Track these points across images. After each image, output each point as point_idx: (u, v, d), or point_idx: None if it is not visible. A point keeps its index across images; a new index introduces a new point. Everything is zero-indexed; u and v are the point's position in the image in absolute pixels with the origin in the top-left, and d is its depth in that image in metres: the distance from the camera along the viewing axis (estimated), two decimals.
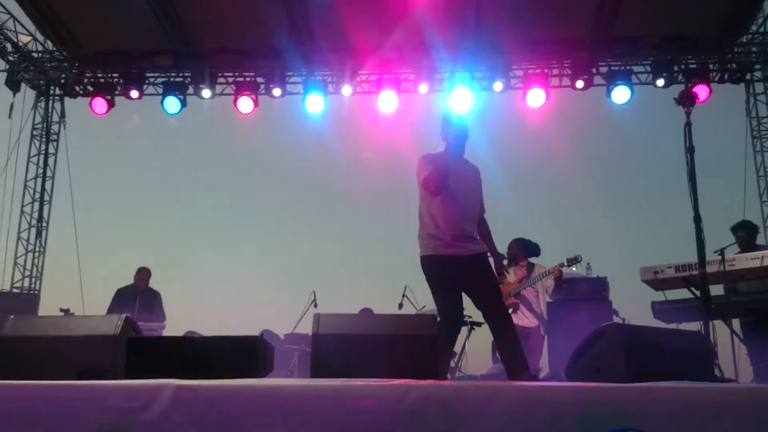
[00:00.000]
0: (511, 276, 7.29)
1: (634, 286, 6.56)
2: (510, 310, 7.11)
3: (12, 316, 3.75)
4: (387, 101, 9.59)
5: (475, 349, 7.75)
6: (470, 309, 7.41)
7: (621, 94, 9.33)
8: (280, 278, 12.49)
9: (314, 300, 8.03)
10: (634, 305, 7.40)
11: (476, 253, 4.77)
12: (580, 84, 9.33)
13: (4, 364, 3.47)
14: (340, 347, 3.46)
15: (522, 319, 7.11)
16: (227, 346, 3.31)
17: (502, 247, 7.39)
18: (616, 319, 7.79)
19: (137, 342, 3.30)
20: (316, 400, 2.95)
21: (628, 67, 9.53)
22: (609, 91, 9.39)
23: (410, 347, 3.43)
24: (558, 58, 9.55)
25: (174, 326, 8.53)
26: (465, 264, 4.67)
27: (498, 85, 9.49)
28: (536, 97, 9.40)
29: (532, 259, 7.36)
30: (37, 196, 10.40)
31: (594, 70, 9.45)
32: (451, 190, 4.74)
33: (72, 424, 2.92)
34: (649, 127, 12.00)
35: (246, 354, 3.19)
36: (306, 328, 8.27)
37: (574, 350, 4.02)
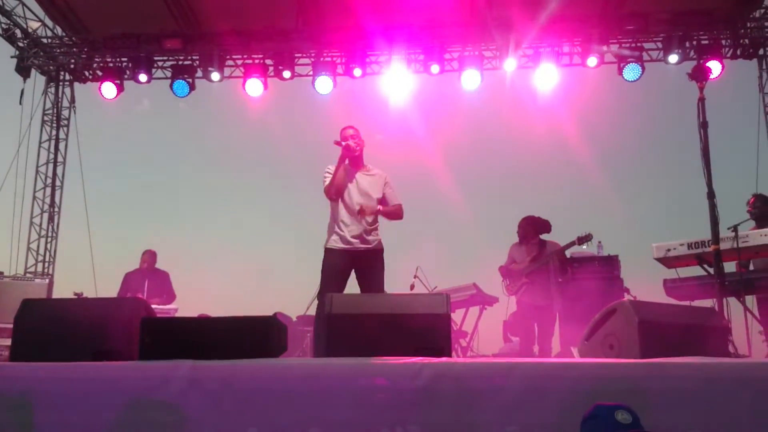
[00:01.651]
0: (523, 254, 7.28)
1: (646, 264, 6.54)
2: (522, 289, 7.12)
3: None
4: (397, 81, 9.56)
5: (487, 328, 7.78)
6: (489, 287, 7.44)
7: (632, 71, 9.25)
8: (291, 261, 12.53)
9: None
10: (646, 283, 7.36)
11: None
12: (592, 61, 9.23)
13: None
14: (353, 327, 3.46)
15: (533, 298, 7.10)
16: (241, 326, 3.32)
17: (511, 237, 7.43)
18: (627, 297, 7.77)
19: (151, 323, 3.32)
20: (331, 378, 2.97)
21: (638, 44, 9.43)
22: (621, 69, 9.31)
23: (423, 326, 3.43)
24: (568, 36, 9.45)
25: (186, 310, 8.57)
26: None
27: (510, 63, 9.38)
28: (547, 76, 9.33)
29: (544, 236, 7.32)
30: (49, 181, 10.45)
31: (605, 48, 9.34)
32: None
33: (93, 405, 2.96)
34: (661, 103, 11.89)
35: (260, 334, 3.21)
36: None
37: (587, 327, 4.01)
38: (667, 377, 2.88)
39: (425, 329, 3.40)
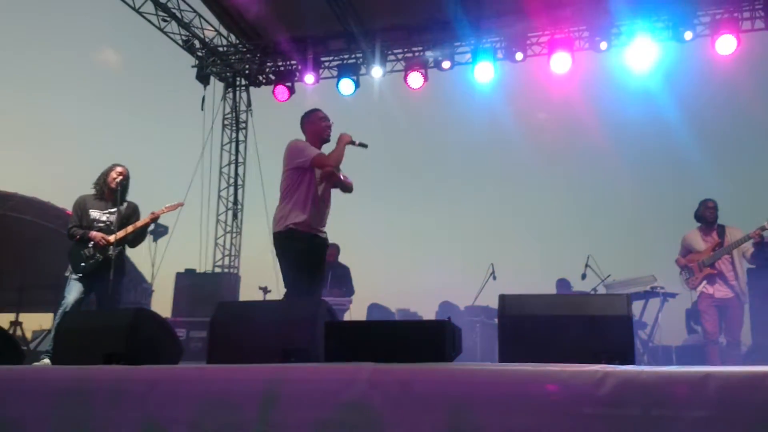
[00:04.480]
0: (700, 243, 6.78)
1: None
2: (704, 282, 6.64)
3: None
4: (560, 62, 9.23)
5: (668, 318, 7.36)
6: (664, 278, 7.04)
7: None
8: (457, 250, 12.58)
9: (493, 272, 8.01)
10: None
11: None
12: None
13: None
14: (528, 329, 3.41)
15: (718, 290, 6.59)
16: (417, 330, 3.40)
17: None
18: None
19: (335, 326, 3.49)
20: (507, 384, 2.94)
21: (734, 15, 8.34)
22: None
23: (603, 329, 3.31)
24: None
25: (359, 298, 8.89)
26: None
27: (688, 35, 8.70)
28: (728, 43, 8.56)
29: (722, 221, 6.78)
30: (231, 181, 11.25)
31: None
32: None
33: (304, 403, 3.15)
34: None
35: (435, 337, 3.26)
36: (485, 299, 8.29)
37: None
38: None
39: (605, 332, 3.27)
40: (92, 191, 6.32)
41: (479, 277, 8.41)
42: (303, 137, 5.38)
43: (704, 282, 6.64)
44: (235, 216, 11.16)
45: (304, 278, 5.10)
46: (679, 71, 10.25)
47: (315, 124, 5.39)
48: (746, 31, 8.66)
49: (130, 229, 6.20)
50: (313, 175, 5.17)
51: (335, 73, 10.13)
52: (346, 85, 9.88)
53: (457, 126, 12.71)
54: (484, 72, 9.47)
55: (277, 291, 9.01)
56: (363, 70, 10.07)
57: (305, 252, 5.12)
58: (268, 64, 10.88)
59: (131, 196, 6.41)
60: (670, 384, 2.74)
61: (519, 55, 9.34)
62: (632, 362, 3.19)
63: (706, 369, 2.90)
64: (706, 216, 6.83)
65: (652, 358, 7.00)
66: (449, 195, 14.33)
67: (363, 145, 5.30)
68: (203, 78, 10.76)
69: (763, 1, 8.50)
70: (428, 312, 9.28)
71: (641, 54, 8.88)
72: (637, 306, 7.14)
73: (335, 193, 5.44)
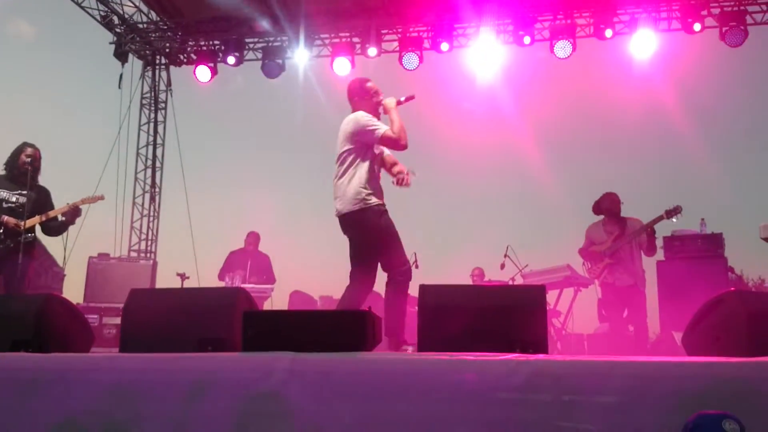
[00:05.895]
0: (602, 234, 7.04)
1: (753, 244, 6.20)
2: (605, 272, 6.89)
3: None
4: (485, 53, 9.38)
5: (582, 307, 7.62)
6: (579, 268, 7.26)
7: (734, 36, 8.66)
8: None
9: (415, 261, 8.07)
10: (752, 263, 7.01)
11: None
12: (697, 27, 8.65)
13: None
14: (447, 319, 3.46)
15: (618, 279, 6.86)
16: (338, 320, 3.40)
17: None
18: (731, 277, 7.42)
19: (253, 316, 3.44)
20: (425, 373, 2.99)
21: (742, 8, 8.76)
22: (724, 35, 8.73)
23: (518, 319, 3.39)
24: (667, 1, 8.95)
25: (281, 286, 8.82)
26: None
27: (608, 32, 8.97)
28: (645, 42, 8.90)
29: (627, 213, 7.08)
30: (149, 162, 10.90)
31: (705, 12, 8.79)
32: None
33: (204, 395, 3.10)
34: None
35: (355, 327, 3.26)
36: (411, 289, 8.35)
37: (692, 317, 3.85)
38: None
39: (521, 323, 3.36)
40: (2, 171, 6.10)
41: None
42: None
43: (605, 272, 6.91)
44: (152, 199, 10.84)
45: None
46: (598, 65, 10.58)
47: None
48: (664, 30, 9.03)
49: (43, 217, 6.02)
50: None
51: (260, 55, 9.96)
52: (271, 68, 9.72)
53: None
54: (411, 61, 9.50)
55: (196, 277, 8.88)
56: (289, 54, 9.92)
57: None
58: (190, 43, 10.56)
59: (43, 175, 6.23)
60: (580, 373, 2.84)
61: (445, 46, 9.41)
62: (545, 351, 3.28)
63: (613, 359, 3.03)
64: (612, 209, 7.08)
65: (565, 346, 7.24)
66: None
67: (410, 98, 4.97)
68: (121, 55, 10.34)
69: (679, 2, 8.85)
70: None
71: (562, 48, 9.09)
72: (552, 295, 7.36)
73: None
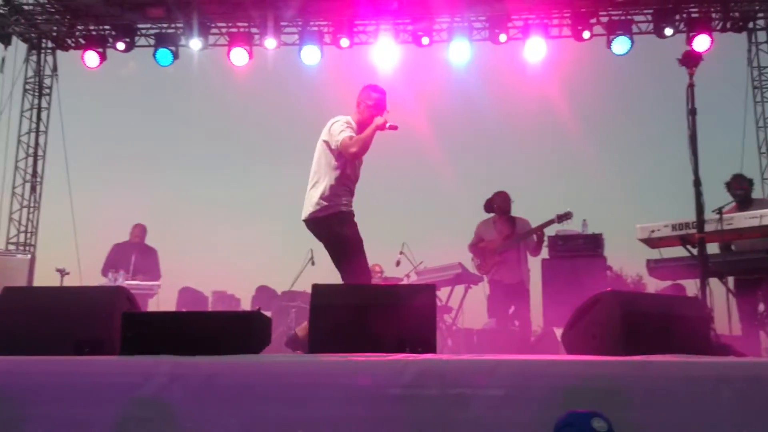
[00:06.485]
0: (492, 232, 7.27)
1: (630, 244, 6.55)
2: (494, 269, 7.13)
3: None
4: (385, 52, 9.44)
5: (472, 303, 7.81)
6: (470, 265, 7.44)
7: (621, 44, 9.16)
8: (278, 233, 12.49)
9: (311, 258, 8.02)
10: (629, 262, 7.42)
11: None
12: (586, 34, 9.11)
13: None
14: (338, 318, 3.45)
15: (505, 276, 7.12)
16: (223, 321, 3.31)
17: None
18: (609, 275, 7.81)
19: (133, 317, 3.29)
20: (313, 375, 2.96)
21: (629, 17, 9.32)
22: (610, 42, 9.22)
23: (408, 318, 3.42)
24: (558, 7, 9.33)
25: (170, 281, 8.51)
26: None
27: (502, 37, 9.25)
28: (536, 48, 9.23)
29: (515, 213, 7.35)
30: (31, 151, 10.31)
31: (594, 20, 9.24)
32: None
33: (79, 400, 2.94)
34: (651, 81, 11.85)
35: (243, 330, 3.19)
36: (302, 284, 8.30)
37: (570, 316, 4.02)
38: (649, 376, 2.89)
39: (411, 322, 3.39)
40: None
41: (299, 262, 8.37)
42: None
43: (494, 269, 7.16)
44: (33, 189, 10.23)
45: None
46: (495, 68, 10.86)
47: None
48: (555, 37, 9.40)
49: None
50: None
51: (152, 42, 9.59)
52: (164, 56, 9.38)
53: (284, 106, 12.56)
54: (311, 55, 9.44)
55: (78, 274, 8.45)
56: (183, 42, 9.60)
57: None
58: (79, 27, 10.03)
59: None
60: (466, 372, 2.90)
61: (345, 41, 9.40)
62: (433, 350, 3.33)
63: (498, 358, 3.11)
64: (503, 207, 7.32)
65: (455, 341, 7.40)
66: (269, 175, 14.19)
67: (393, 128, 4.90)
68: (4, 37, 9.76)
69: (570, 10, 9.23)
70: (245, 295, 9.11)
71: (459, 51, 9.30)
72: (444, 291, 7.51)
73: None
